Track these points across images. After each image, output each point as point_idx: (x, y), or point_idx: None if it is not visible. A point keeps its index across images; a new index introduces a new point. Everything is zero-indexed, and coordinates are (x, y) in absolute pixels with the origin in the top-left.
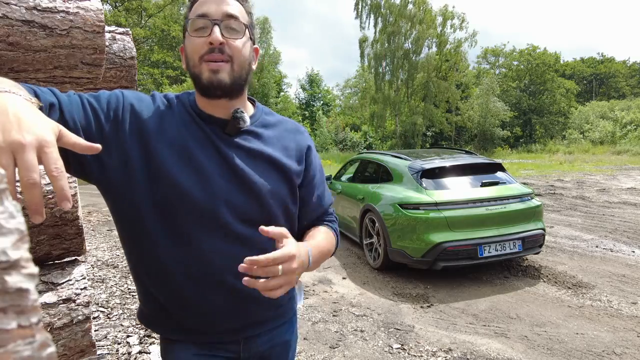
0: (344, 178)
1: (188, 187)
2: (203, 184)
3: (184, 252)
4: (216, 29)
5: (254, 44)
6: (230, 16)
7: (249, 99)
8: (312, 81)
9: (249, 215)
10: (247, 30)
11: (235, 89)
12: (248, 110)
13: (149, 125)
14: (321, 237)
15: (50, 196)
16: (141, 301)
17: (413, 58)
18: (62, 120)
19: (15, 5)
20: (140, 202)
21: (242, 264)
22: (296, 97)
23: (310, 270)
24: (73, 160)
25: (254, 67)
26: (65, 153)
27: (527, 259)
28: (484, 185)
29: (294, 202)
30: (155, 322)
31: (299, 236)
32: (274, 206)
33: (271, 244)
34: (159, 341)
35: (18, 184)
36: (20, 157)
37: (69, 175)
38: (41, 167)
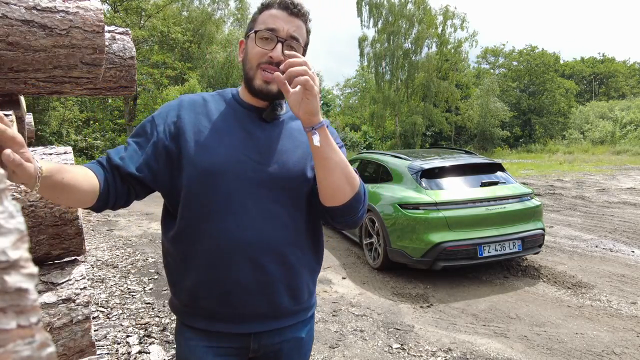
0: None
1: (221, 168)
2: (233, 165)
3: (220, 226)
4: (279, 47)
5: (304, 55)
6: (293, 38)
7: None
8: None
9: (276, 194)
10: (303, 49)
11: (280, 96)
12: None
13: (187, 124)
14: None
15: None
16: (172, 293)
17: (413, 58)
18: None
19: (15, 5)
20: (181, 189)
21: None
22: None
23: (323, 148)
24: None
25: None
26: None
27: (526, 259)
28: (483, 185)
29: (313, 183)
30: (182, 309)
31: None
32: (300, 186)
33: (296, 221)
34: (158, 341)
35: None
36: None
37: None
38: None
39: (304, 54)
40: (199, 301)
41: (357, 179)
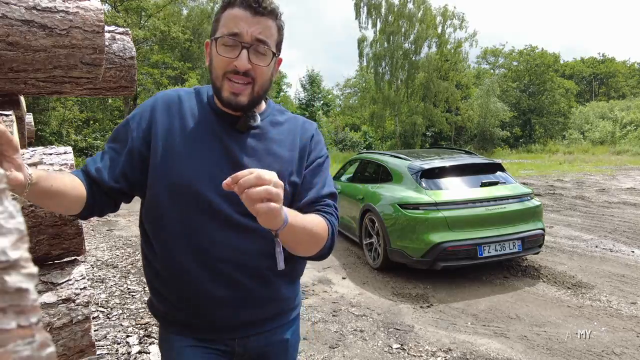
0: (343, 178)
1: (192, 181)
2: (205, 178)
3: (191, 242)
4: (244, 55)
5: (278, 55)
6: (260, 41)
7: None
8: (313, 81)
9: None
10: (274, 54)
11: (252, 106)
12: (259, 107)
13: (159, 129)
14: (307, 217)
15: None
16: (152, 295)
17: (413, 58)
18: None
19: (15, 5)
20: (158, 197)
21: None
22: (296, 97)
23: (287, 233)
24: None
25: (274, 78)
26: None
27: (526, 259)
28: (483, 185)
29: (291, 201)
30: (161, 314)
31: None
32: None
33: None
34: (158, 341)
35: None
36: None
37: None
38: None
39: (277, 53)
40: (179, 314)
41: (324, 235)
